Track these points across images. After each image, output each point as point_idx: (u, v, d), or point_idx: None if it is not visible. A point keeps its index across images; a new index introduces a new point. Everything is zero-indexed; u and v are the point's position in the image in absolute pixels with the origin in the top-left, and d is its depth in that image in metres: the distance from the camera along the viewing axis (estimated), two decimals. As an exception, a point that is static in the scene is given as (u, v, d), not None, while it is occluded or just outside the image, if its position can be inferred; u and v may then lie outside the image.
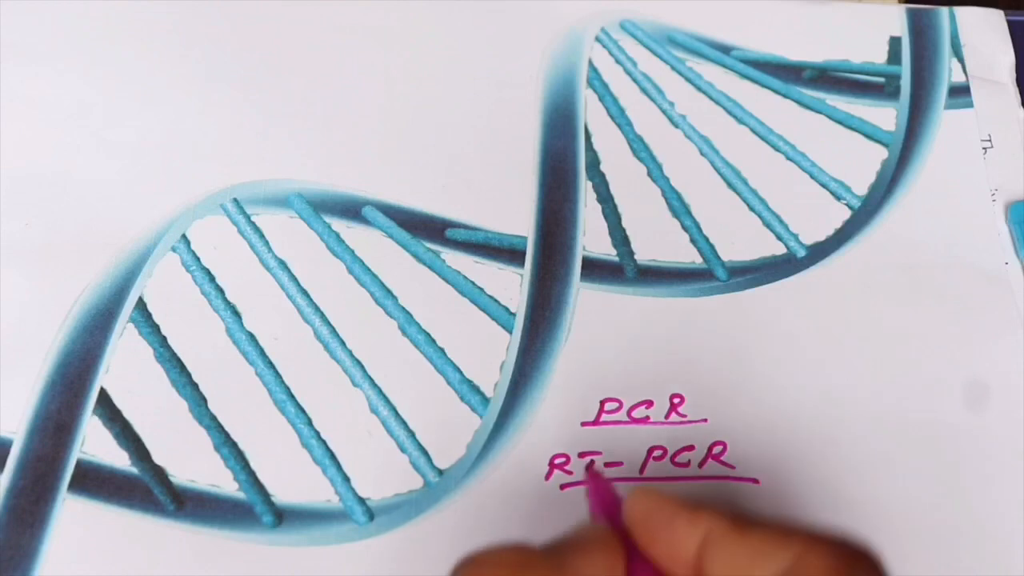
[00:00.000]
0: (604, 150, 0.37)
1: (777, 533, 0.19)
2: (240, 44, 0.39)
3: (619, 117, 0.38)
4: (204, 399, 0.31)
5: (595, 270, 0.34)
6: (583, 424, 0.31)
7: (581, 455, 0.31)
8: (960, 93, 0.39)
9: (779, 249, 0.35)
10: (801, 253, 0.35)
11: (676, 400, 0.32)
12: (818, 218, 0.36)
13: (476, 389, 0.32)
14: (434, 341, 0.32)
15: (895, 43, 0.40)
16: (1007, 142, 0.38)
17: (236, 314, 0.33)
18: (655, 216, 0.36)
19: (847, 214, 0.36)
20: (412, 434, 0.31)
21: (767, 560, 0.18)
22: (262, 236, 0.34)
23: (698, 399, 0.32)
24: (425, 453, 0.30)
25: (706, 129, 0.38)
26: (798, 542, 0.18)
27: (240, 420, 0.31)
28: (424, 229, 0.35)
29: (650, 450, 0.31)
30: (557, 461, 0.30)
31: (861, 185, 0.37)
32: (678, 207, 0.36)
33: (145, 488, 0.29)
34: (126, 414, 0.31)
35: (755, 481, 0.30)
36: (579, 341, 0.33)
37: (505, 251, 0.34)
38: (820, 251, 0.35)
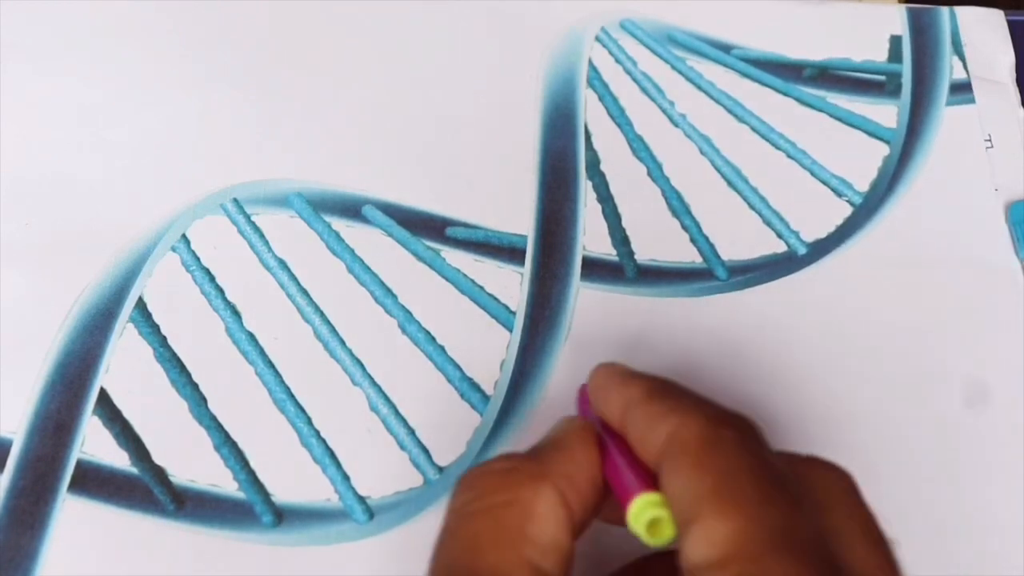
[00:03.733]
0: (604, 150, 0.37)
1: (668, 402, 0.21)
2: (240, 44, 0.39)
3: (619, 117, 0.38)
4: (204, 399, 0.31)
5: (595, 270, 0.34)
6: (583, 423, 0.31)
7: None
8: (962, 90, 0.39)
9: (780, 247, 0.35)
10: (802, 251, 0.35)
11: (677, 399, 0.32)
12: (819, 215, 0.36)
13: (476, 387, 0.32)
14: (434, 339, 0.32)
15: (896, 41, 0.40)
16: (1007, 142, 0.38)
17: (236, 314, 0.33)
18: (655, 216, 0.36)
19: (848, 211, 0.36)
20: (412, 432, 0.31)
21: (657, 430, 0.21)
22: (262, 236, 0.34)
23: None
24: (425, 451, 0.30)
25: (706, 128, 0.38)
26: (676, 412, 0.21)
27: (240, 420, 0.31)
28: (424, 228, 0.35)
29: (651, 449, 0.31)
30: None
31: (862, 182, 0.37)
32: (678, 206, 0.36)
33: (145, 488, 0.29)
34: (126, 414, 0.31)
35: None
36: (579, 340, 0.33)
37: (505, 250, 0.34)
38: (821, 249, 0.35)
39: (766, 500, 0.19)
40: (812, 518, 0.19)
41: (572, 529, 0.21)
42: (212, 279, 0.33)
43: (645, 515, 0.20)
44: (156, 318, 0.32)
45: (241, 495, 0.30)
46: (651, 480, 0.21)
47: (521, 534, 0.21)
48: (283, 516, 0.29)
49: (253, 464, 0.30)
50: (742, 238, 0.35)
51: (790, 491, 0.19)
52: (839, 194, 0.36)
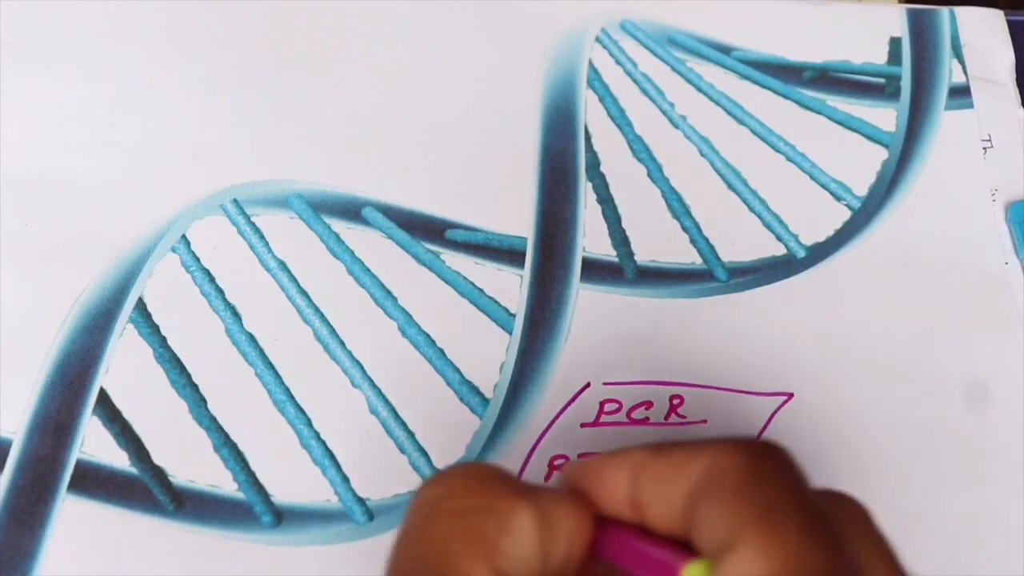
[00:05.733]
0: (604, 151, 0.37)
1: (691, 447, 0.20)
2: (240, 44, 0.39)
3: (619, 118, 0.38)
4: (204, 400, 0.31)
5: (595, 271, 0.34)
6: (582, 425, 0.31)
7: (581, 456, 0.31)
8: (960, 94, 0.39)
9: (779, 250, 0.35)
10: (801, 254, 0.35)
11: (676, 401, 0.32)
12: (818, 219, 0.36)
13: (476, 390, 0.32)
14: (434, 342, 0.32)
15: (895, 44, 0.40)
16: (1007, 142, 0.38)
17: (236, 315, 0.33)
18: (655, 217, 0.36)
19: (847, 215, 0.36)
20: (412, 434, 0.31)
21: (685, 471, 0.19)
22: (262, 237, 0.34)
23: (697, 400, 0.32)
24: (424, 454, 0.30)
25: (706, 130, 0.38)
26: (709, 449, 0.19)
27: (240, 421, 0.31)
28: (424, 230, 0.35)
29: (650, 451, 0.31)
30: (556, 462, 0.30)
31: (861, 186, 0.37)
32: (678, 208, 0.36)
33: (145, 488, 0.30)
34: (126, 414, 0.31)
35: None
36: (579, 342, 0.33)
37: (505, 252, 0.34)
38: (820, 252, 0.35)
39: (810, 540, 0.18)
40: (853, 560, 0.18)
41: (544, 565, 0.19)
42: (212, 280, 0.33)
43: None
44: (156, 318, 0.32)
45: (241, 496, 0.30)
46: (683, 551, 0.19)
47: (495, 545, 0.18)
48: (283, 517, 0.29)
49: (253, 465, 0.30)
50: (742, 240, 0.35)
51: (832, 530, 0.18)
52: (838, 198, 0.36)
